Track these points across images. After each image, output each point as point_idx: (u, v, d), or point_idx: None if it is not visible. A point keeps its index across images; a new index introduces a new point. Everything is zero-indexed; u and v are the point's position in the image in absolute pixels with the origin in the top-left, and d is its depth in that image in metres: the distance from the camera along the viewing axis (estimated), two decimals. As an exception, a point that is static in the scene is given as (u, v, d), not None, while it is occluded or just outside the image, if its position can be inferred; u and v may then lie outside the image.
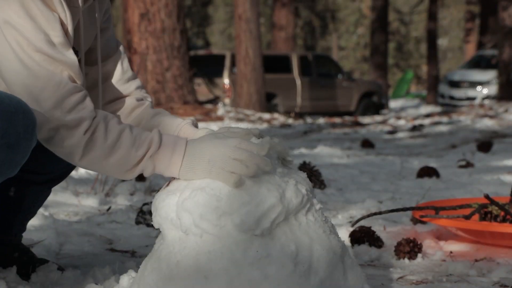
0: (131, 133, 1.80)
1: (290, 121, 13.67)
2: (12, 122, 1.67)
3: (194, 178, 1.78)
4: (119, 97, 2.12)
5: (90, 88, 2.07)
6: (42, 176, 2.25)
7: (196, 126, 2.04)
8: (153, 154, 1.79)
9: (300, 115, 15.51)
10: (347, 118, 15.57)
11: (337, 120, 14.65)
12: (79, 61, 1.99)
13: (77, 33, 1.95)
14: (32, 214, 2.34)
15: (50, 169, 2.25)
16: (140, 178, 4.42)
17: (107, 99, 2.11)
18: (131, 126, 1.82)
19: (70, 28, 1.84)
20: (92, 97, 2.05)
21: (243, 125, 11.99)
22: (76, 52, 1.97)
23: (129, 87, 2.12)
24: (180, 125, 2.02)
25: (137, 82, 2.14)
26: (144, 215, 3.22)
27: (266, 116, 13.76)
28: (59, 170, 2.28)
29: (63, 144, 1.78)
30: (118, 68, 2.12)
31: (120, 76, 2.11)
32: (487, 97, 20.65)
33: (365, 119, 15.11)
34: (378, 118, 15.78)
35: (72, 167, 2.33)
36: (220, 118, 12.59)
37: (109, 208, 3.56)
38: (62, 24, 1.82)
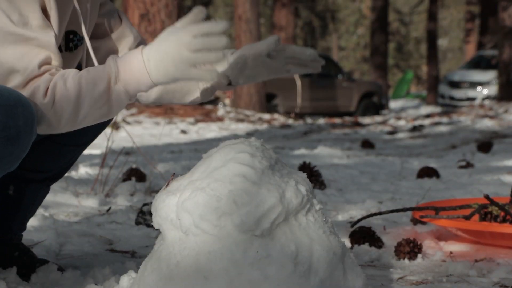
0: (88, 73, 1.77)
1: (290, 121, 13.68)
2: (12, 115, 1.67)
3: (172, 80, 1.76)
4: None
5: (101, 63, 2.07)
6: (40, 174, 2.25)
7: None
8: (116, 78, 1.77)
9: (300, 116, 15.51)
10: (347, 119, 15.57)
11: (337, 120, 14.65)
12: (86, 46, 1.99)
13: (76, 19, 1.94)
14: (31, 212, 2.34)
15: (48, 167, 2.25)
16: (140, 178, 4.42)
17: None
18: (88, 69, 1.79)
19: (54, 12, 1.82)
20: None
21: (243, 125, 12.00)
22: (81, 38, 1.97)
23: None
24: None
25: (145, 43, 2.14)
26: (144, 216, 3.22)
27: (266, 116, 13.77)
28: (57, 168, 2.29)
29: (40, 122, 1.76)
30: (129, 36, 2.11)
31: (133, 43, 2.12)
32: (487, 97, 20.66)
33: (365, 120, 15.10)
34: (378, 118, 15.78)
35: (70, 164, 2.34)
36: (220, 119, 12.59)
37: (109, 209, 3.56)
38: (44, 8, 1.80)
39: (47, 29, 1.80)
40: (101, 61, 2.06)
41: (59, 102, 1.75)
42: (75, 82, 1.76)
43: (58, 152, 2.23)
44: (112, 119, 2.00)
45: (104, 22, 2.09)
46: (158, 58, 1.75)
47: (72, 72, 1.79)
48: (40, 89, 1.75)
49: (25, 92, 1.74)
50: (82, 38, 1.98)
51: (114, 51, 2.10)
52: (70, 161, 2.31)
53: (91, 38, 2.04)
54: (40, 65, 1.77)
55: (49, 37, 1.79)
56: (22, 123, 1.69)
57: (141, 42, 2.15)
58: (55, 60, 1.80)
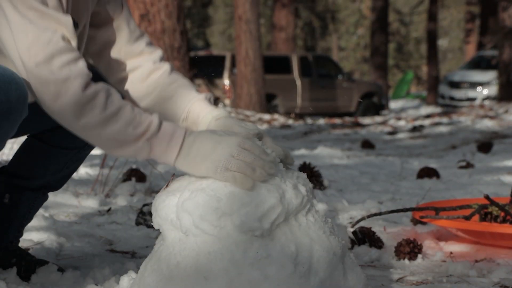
0: (132, 111, 1.77)
1: (290, 121, 13.68)
2: (5, 91, 1.68)
3: (195, 174, 1.77)
4: (132, 58, 2.08)
5: (98, 53, 2.06)
6: (34, 181, 2.24)
7: (210, 102, 2.01)
8: (151, 137, 1.77)
9: (300, 116, 15.51)
10: (347, 119, 15.56)
11: (337, 121, 14.65)
12: (81, 32, 1.98)
13: (76, 7, 1.93)
14: (28, 220, 2.33)
15: (40, 172, 2.24)
16: (140, 179, 4.42)
17: (121, 61, 2.07)
18: (132, 105, 1.79)
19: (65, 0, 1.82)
20: (100, 61, 2.06)
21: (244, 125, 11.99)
22: (76, 24, 1.96)
23: (139, 46, 2.08)
24: (192, 100, 2.00)
25: (146, 39, 2.10)
26: (144, 216, 3.22)
27: (266, 117, 13.77)
28: (50, 174, 2.27)
29: (56, 103, 1.73)
30: (125, 29, 2.08)
31: (128, 36, 2.07)
32: (487, 97, 20.66)
33: (365, 120, 15.10)
34: (378, 119, 15.77)
35: (67, 174, 2.31)
36: (220, 119, 12.58)
37: (109, 209, 3.56)
38: None
39: (62, 10, 1.80)
40: (98, 52, 2.05)
41: (89, 107, 1.74)
42: (114, 106, 1.75)
43: (48, 155, 2.22)
44: None
45: (104, 11, 2.05)
46: (194, 153, 1.77)
47: (116, 93, 1.78)
48: (77, 81, 1.72)
49: (59, 73, 1.71)
50: (77, 26, 1.97)
51: (111, 42, 2.06)
52: (64, 168, 2.28)
53: (89, 26, 2.03)
54: (63, 39, 1.75)
55: (67, 18, 1.79)
56: (14, 100, 1.70)
57: (138, 37, 2.09)
58: (73, 42, 1.79)
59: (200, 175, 1.77)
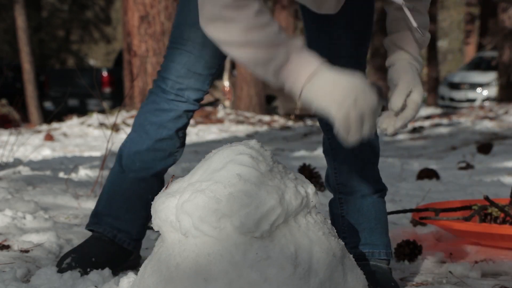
0: (277, 33, 1.79)
1: (290, 123, 13.68)
2: None
3: (317, 102, 1.80)
4: None
5: None
6: None
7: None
8: (291, 50, 1.79)
9: (300, 117, 15.51)
10: (347, 120, 15.51)
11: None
12: None
13: None
14: None
15: None
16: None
17: None
18: (280, 28, 1.80)
19: None
20: None
21: (243, 127, 12.00)
22: None
23: None
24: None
25: None
26: (144, 218, 3.21)
27: (266, 118, 13.76)
28: None
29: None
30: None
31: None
32: (487, 98, 20.66)
33: (365, 121, 15.04)
34: (378, 120, 15.74)
35: None
36: (220, 121, 12.59)
37: (109, 211, 3.55)
38: None
39: None
40: None
41: (240, 9, 1.77)
42: (266, 18, 1.78)
43: None
44: None
45: None
46: (322, 86, 1.79)
47: (268, 15, 1.80)
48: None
49: None
50: None
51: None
52: None
53: None
54: None
55: None
56: None
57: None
58: None
59: (322, 104, 1.79)
